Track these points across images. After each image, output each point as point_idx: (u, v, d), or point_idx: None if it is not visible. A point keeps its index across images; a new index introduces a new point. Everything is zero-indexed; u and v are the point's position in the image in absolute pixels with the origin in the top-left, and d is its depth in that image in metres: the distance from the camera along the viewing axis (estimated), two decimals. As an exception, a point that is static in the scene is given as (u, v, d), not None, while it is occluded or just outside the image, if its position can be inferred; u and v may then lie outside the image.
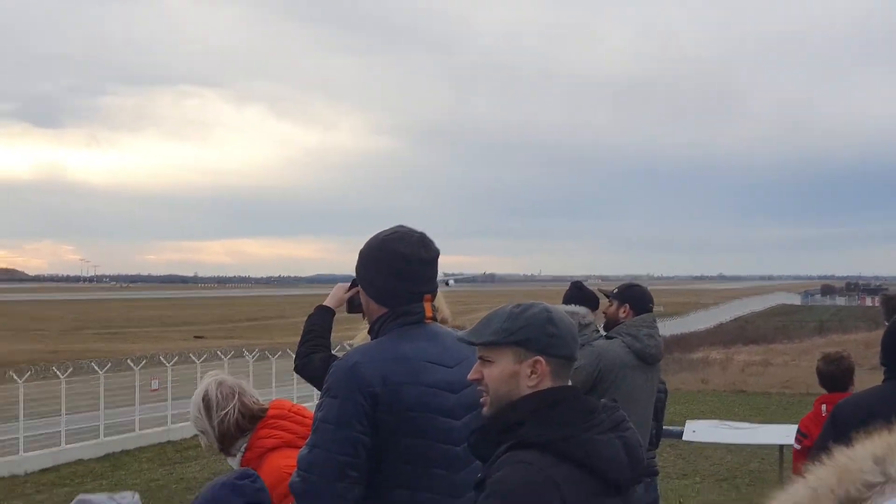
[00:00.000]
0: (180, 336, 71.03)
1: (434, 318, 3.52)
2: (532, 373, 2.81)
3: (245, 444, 3.99)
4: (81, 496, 3.33)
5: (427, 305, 3.47)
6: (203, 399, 4.04)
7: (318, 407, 3.33)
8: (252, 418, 4.01)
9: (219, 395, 4.01)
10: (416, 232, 3.50)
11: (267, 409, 4.06)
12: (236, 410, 3.98)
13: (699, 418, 14.64)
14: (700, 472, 16.39)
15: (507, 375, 2.84)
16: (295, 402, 4.41)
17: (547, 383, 2.81)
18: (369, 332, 3.59)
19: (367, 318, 3.61)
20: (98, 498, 3.30)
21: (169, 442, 26.44)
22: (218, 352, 34.63)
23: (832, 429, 4.56)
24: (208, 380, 4.13)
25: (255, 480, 3.38)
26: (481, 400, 2.89)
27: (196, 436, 4.27)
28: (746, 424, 12.98)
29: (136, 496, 3.36)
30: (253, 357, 30.90)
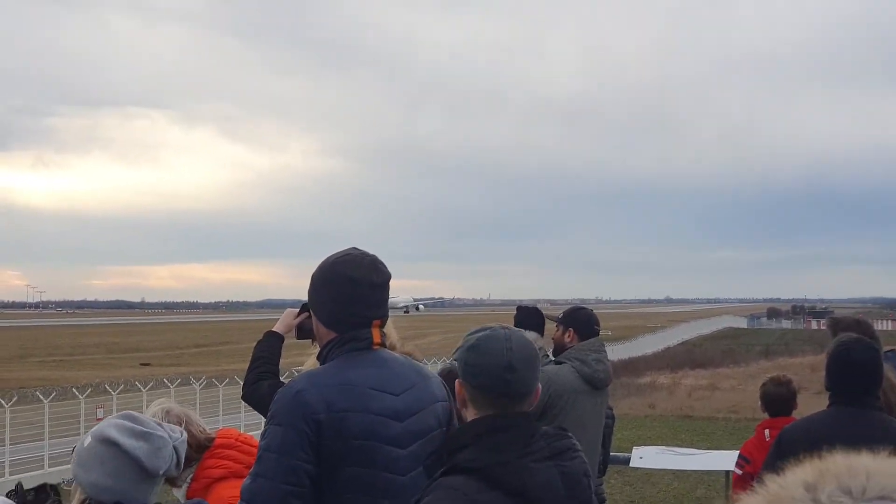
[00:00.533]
0: (126, 363, 69.92)
1: (382, 344, 3.48)
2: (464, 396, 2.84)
3: (191, 475, 3.92)
4: (128, 412, 3.28)
5: (375, 331, 3.42)
6: (149, 428, 3.96)
7: (262, 435, 3.27)
8: (199, 448, 3.93)
9: None
10: (368, 255, 3.44)
11: (214, 438, 4.01)
12: None
13: (646, 444, 14.68)
14: (647, 499, 16.42)
15: (458, 394, 2.86)
16: (242, 431, 4.36)
17: (483, 410, 2.81)
18: (318, 358, 3.55)
19: (318, 343, 3.57)
20: (145, 419, 3.28)
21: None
22: (164, 379, 34.27)
23: (778, 454, 4.59)
24: (155, 408, 4.05)
25: None
26: None
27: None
28: (693, 450, 13.02)
29: (185, 434, 3.32)
30: (200, 384, 30.61)
